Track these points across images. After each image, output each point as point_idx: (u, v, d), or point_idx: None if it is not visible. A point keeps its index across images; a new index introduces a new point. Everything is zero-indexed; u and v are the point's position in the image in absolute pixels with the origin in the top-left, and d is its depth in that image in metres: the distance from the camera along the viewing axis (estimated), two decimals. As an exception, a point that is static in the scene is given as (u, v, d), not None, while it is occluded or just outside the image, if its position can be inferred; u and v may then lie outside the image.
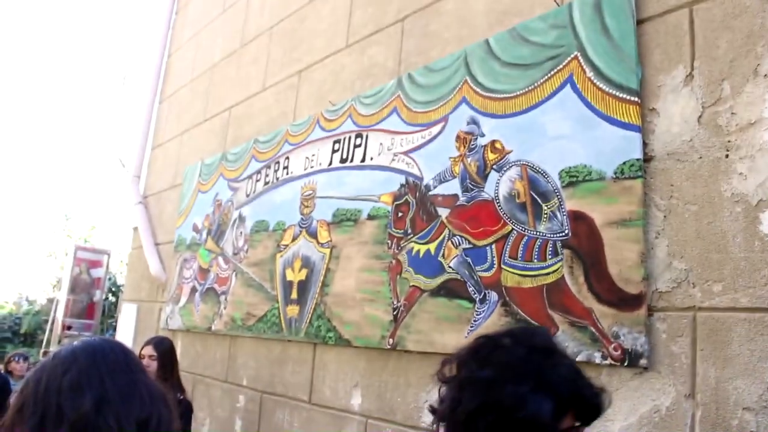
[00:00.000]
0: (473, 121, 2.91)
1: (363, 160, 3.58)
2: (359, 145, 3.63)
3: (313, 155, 4.01)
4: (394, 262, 3.18)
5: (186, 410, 3.50)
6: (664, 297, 2.08)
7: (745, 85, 2.01)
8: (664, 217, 2.14)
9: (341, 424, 3.31)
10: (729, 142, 2.01)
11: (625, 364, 2.10)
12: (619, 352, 2.13)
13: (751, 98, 1.99)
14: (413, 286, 3.03)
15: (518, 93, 2.74)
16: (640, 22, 2.34)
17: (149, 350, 3.67)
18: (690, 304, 2.01)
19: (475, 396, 1.11)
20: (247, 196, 4.66)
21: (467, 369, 1.18)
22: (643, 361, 2.07)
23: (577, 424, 1.13)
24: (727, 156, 2.01)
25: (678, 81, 2.19)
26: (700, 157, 2.08)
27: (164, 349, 3.74)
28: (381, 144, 3.46)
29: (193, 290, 5.11)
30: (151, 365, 3.53)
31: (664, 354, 2.04)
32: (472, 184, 2.84)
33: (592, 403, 1.15)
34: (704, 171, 2.06)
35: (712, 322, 1.94)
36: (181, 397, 3.58)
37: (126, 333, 6.12)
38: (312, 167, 4.01)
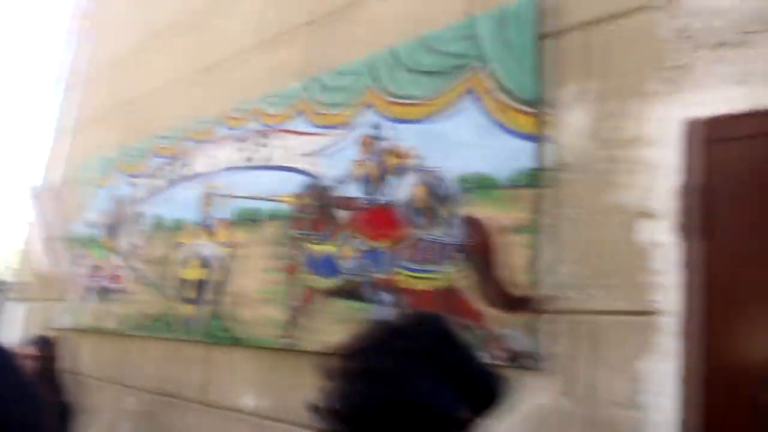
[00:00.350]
0: (377, 126, 2.94)
1: (267, 160, 3.54)
2: (264, 145, 3.59)
3: (218, 153, 3.93)
4: (292, 262, 3.16)
5: (68, 413, 3.35)
6: (549, 300, 2.16)
7: (631, 103, 2.12)
8: (554, 224, 2.22)
9: (236, 425, 3.25)
10: (614, 155, 2.12)
11: (511, 364, 2.17)
12: (506, 353, 2.20)
13: (635, 115, 2.10)
14: (310, 286, 3.02)
15: (422, 100, 2.78)
16: (541, 38, 2.43)
17: (30, 350, 3.49)
18: (572, 307, 2.10)
19: (375, 388, 1.02)
20: (147, 192, 4.52)
21: (365, 359, 1.07)
22: (527, 362, 2.14)
23: (477, 416, 1.05)
24: (612, 169, 2.12)
25: (573, 95, 2.29)
26: (589, 169, 2.18)
27: (46, 348, 3.58)
28: (286, 145, 3.43)
29: (87, 288, 4.89)
30: (32, 366, 3.36)
31: (547, 355, 2.12)
32: (373, 188, 2.86)
33: (495, 394, 1.09)
34: (592, 182, 2.16)
35: (592, 325, 2.04)
36: (64, 399, 3.42)
37: (14, 333, 5.79)
38: (216, 166, 3.93)
